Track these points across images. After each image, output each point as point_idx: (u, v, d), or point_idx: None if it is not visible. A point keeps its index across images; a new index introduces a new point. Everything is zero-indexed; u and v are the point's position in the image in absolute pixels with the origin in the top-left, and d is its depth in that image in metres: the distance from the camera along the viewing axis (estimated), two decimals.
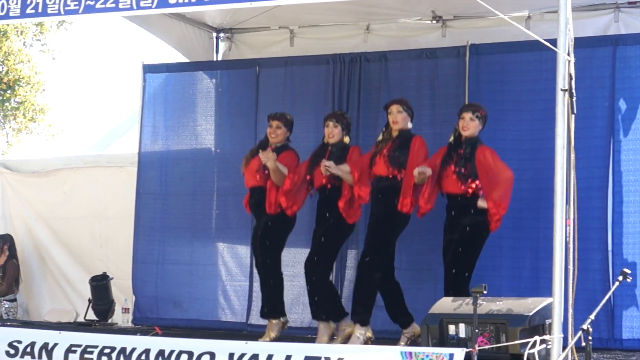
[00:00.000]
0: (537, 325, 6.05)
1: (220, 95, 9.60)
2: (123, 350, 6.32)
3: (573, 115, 6.00)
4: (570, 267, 6.00)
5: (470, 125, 7.48)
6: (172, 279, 9.57)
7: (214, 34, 10.08)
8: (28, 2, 6.68)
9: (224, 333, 8.53)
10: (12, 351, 6.65)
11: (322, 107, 8.71)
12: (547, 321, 5.97)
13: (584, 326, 5.82)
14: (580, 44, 6.62)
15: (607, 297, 6.35)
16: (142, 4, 6.38)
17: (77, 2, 6.53)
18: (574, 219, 5.99)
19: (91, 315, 9.89)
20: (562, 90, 5.89)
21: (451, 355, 5.62)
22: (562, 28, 5.91)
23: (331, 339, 7.80)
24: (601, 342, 7.64)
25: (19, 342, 6.66)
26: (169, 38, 9.91)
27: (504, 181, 7.29)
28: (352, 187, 7.68)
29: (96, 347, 6.42)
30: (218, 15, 9.76)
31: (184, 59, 10.06)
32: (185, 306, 9.50)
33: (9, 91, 19.15)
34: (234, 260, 9.42)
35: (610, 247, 7.88)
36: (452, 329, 6.15)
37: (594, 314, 5.97)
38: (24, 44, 19.71)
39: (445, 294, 7.30)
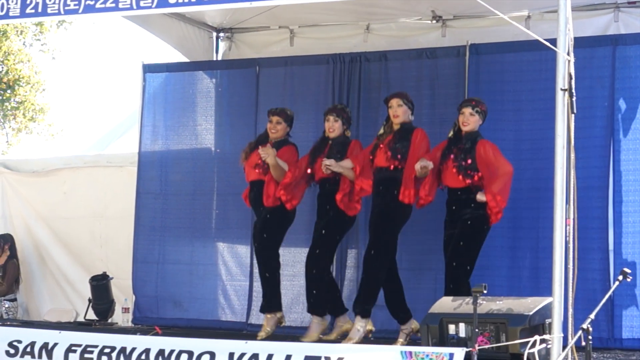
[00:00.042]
0: (537, 324, 6.05)
1: (220, 95, 9.60)
2: (123, 350, 6.32)
3: (573, 115, 6.01)
4: (570, 266, 6.00)
5: (470, 120, 7.48)
6: (172, 279, 9.58)
7: (214, 34, 10.08)
8: (28, 2, 6.67)
9: (224, 333, 8.52)
10: (12, 351, 6.65)
11: (322, 107, 8.70)
12: (547, 321, 5.97)
13: (584, 326, 5.82)
14: (580, 43, 6.63)
15: (607, 296, 6.35)
16: (142, 3, 6.38)
17: (77, 2, 6.52)
18: (574, 219, 5.99)
19: (91, 315, 9.89)
20: (562, 90, 5.89)
21: (451, 355, 5.62)
22: (562, 28, 5.91)
23: (319, 339, 7.80)
24: (601, 341, 7.65)
25: (19, 341, 6.66)
26: (169, 38, 9.91)
27: (503, 175, 7.30)
28: (353, 181, 7.69)
29: (96, 346, 6.42)
30: (218, 15, 9.76)
31: (184, 59, 10.06)
32: (185, 306, 9.50)
33: (8, 91, 19.15)
34: (234, 260, 9.42)
35: (610, 247, 7.88)
36: (452, 328, 6.15)
37: (594, 313, 5.97)
38: (23, 44, 19.72)
39: (445, 287, 7.32)
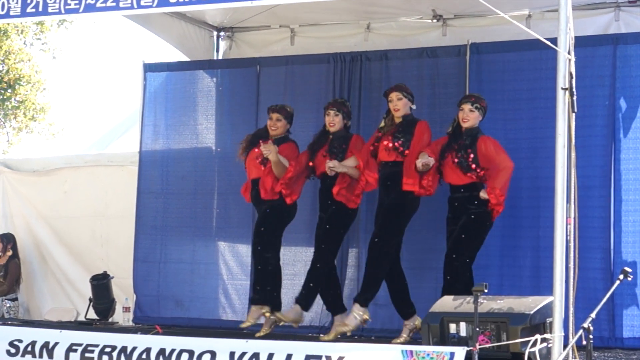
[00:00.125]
0: (538, 323, 6.05)
1: (221, 94, 9.60)
2: (124, 349, 6.33)
3: (573, 114, 6.01)
4: (571, 265, 6.01)
5: (470, 117, 7.48)
6: (173, 278, 9.58)
7: (215, 33, 10.07)
8: (28, 1, 6.68)
9: (225, 332, 8.52)
10: (13, 350, 6.66)
11: (322, 106, 8.69)
12: (548, 320, 5.97)
13: (585, 325, 5.82)
14: (581, 42, 6.63)
15: (607, 295, 6.34)
16: (142, 2, 6.38)
17: (77, 1, 6.53)
18: (574, 218, 5.99)
19: (92, 314, 9.89)
20: (562, 89, 5.89)
21: (452, 354, 5.62)
22: (563, 27, 5.91)
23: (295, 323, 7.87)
24: (602, 340, 7.65)
25: (20, 341, 6.67)
26: (170, 37, 9.91)
27: (504, 169, 7.30)
28: (352, 176, 7.66)
29: (97, 346, 6.43)
30: (218, 14, 9.76)
31: (185, 58, 10.06)
32: (186, 305, 9.50)
33: (9, 90, 19.16)
34: (234, 259, 9.42)
35: (611, 246, 7.88)
36: (453, 327, 6.16)
37: (595, 312, 5.97)
38: (24, 43, 19.72)
39: (443, 278, 7.32)
